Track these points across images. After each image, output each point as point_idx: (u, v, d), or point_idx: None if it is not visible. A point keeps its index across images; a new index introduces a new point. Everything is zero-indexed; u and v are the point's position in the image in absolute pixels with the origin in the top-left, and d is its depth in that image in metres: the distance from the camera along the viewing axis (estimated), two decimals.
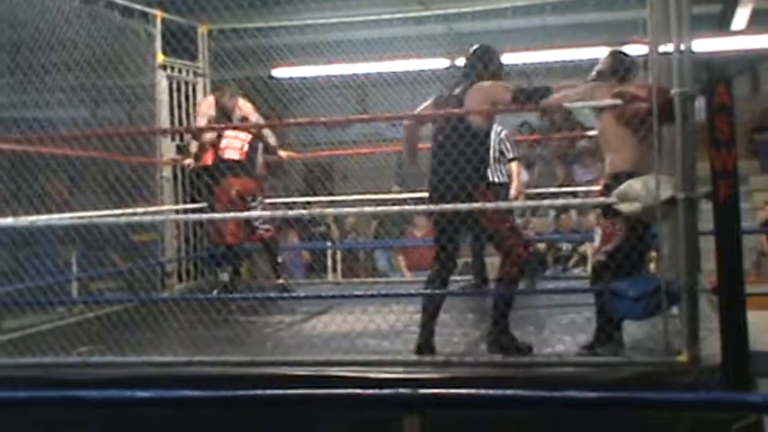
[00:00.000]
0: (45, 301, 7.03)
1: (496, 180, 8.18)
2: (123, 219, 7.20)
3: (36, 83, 7.34)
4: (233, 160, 8.51)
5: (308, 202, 10.86)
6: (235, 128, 8.54)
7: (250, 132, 8.66)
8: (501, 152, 8.17)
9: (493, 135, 8.07)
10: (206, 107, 8.88)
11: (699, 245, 5.19)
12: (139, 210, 8.15)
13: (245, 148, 8.59)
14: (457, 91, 5.90)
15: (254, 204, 8.41)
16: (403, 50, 10.36)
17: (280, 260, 8.78)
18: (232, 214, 8.00)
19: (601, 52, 6.10)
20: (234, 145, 8.59)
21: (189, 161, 8.91)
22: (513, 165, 8.36)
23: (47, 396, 5.10)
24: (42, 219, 6.76)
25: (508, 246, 5.60)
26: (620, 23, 9.86)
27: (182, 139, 9.29)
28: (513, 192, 8.18)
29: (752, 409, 3.62)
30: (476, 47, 6.01)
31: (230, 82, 9.02)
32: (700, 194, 5.01)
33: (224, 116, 8.73)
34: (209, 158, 8.73)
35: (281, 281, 8.55)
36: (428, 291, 5.80)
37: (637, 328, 5.69)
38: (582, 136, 11.72)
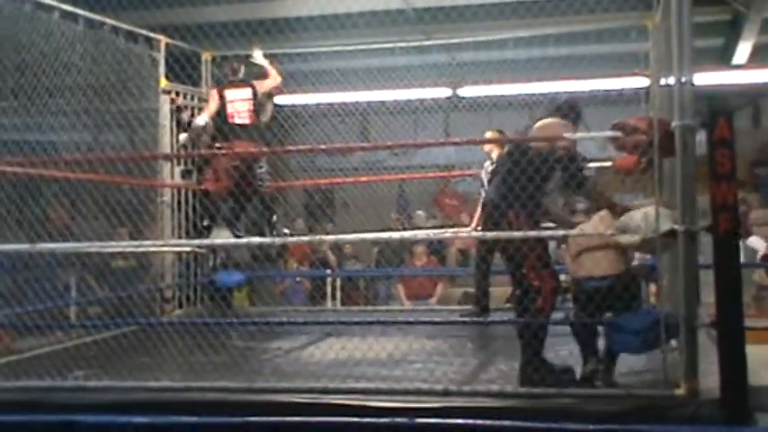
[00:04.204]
0: (43, 325, 7.00)
1: None
2: (129, 246, 7.20)
3: (39, 106, 7.35)
4: (238, 125, 8.76)
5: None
6: (226, 154, 8.59)
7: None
8: None
9: None
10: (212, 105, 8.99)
11: (698, 278, 5.18)
12: (146, 242, 8.16)
13: (251, 107, 8.87)
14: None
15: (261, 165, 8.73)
16: (405, 79, 10.40)
17: (275, 218, 9.03)
18: (240, 241, 8.00)
19: (602, 84, 6.15)
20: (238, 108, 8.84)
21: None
22: None
23: (43, 420, 5.12)
24: (49, 246, 6.74)
25: (534, 279, 5.56)
26: (623, 55, 9.93)
27: (186, 163, 9.30)
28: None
29: None
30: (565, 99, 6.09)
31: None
32: (700, 227, 5.00)
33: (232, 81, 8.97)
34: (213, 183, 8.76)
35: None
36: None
37: (636, 360, 5.67)
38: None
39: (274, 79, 9.17)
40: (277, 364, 6.75)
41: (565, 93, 5.97)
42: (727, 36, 12.19)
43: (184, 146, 8.93)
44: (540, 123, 5.80)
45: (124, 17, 8.38)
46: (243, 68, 9.04)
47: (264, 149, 8.97)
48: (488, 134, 8.44)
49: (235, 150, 8.51)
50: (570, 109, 5.96)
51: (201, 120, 8.76)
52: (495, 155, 8.45)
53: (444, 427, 4.90)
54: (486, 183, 8.37)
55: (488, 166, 8.55)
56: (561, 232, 5.71)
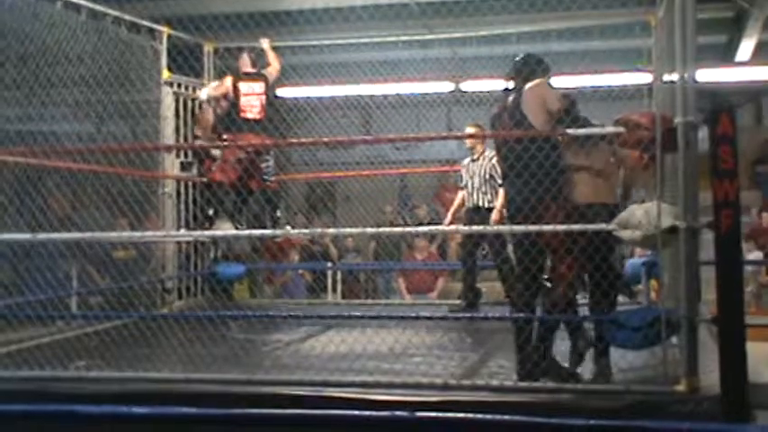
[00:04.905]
0: (44, 315, 7.01)
1: (484, 204, 8.16)
2: (131, 236, 7.20)
3: (42, 96, 7.35)
4: (250, 119, 8.78)
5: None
6: (234, 145, 8.57)
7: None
8: (491, 176, 8.09)
9: (486, 158, 8.15)
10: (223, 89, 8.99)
11: (699, 274, 5.18)
12: (147, 233, 8.18)
13: (263, 101, 8.91)
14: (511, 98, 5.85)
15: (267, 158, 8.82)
16: (407, 73, 10.40)
17: (278, 213, 9.05)
18: (245, 232, 8.01)
19: (605, 79, 6.12)
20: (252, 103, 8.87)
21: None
22: (502, 190, 8.25)
23: (44, 410, 5.12)
24: (50, 236, 6.75)
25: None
26: (626, 51, 9.92)
27: (186, 155, 9.30)
28: (494, 216, 8.03)
29: None
30: (521, 55, 6.03)
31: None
32: (701, 224, 5.00)
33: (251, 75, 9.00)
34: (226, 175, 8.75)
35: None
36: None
37: (636, 356, 5.68)
38: None
39: (275, 68, 9.22)
40: (277, 356, 6.76)
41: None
42: (731, 33, 12.18)
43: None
44: (528, 88, 5.73)
45: (127, 8, 8.38)
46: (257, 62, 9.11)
47: (267, 142, 8.96)
48: (469, 129, 8.35)
49: (239, 143, 8.51)
50: (538, 65, 5.93)
51: (204, 93, 8.82)
52: (477, 150, 8.40)
53: (444, 420, 4.89)
54: (474, 180, 8.32)
55: (468, 162, 8.50)
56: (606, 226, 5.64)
